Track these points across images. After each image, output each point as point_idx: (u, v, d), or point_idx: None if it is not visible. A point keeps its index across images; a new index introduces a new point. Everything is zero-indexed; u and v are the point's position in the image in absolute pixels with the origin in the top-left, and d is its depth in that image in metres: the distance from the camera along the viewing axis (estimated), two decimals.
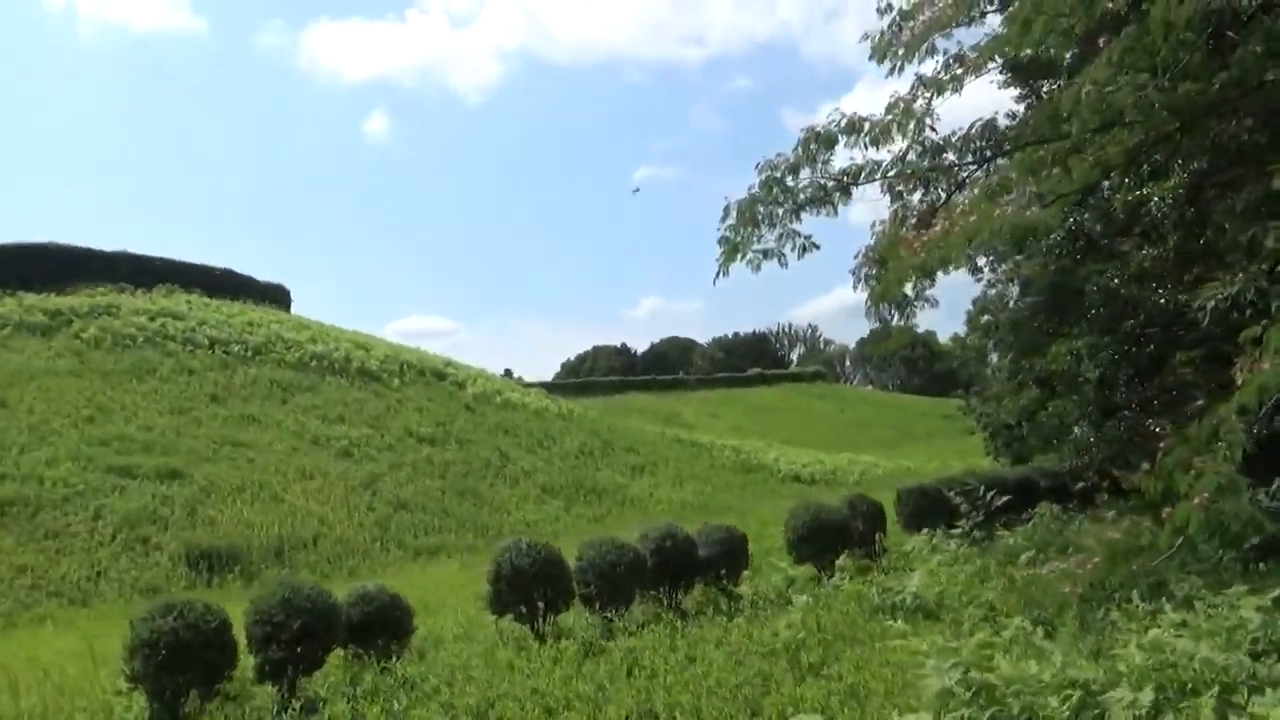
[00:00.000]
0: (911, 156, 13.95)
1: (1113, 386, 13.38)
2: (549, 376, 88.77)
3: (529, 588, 8.65)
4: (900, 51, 13.84)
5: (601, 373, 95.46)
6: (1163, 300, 12.33)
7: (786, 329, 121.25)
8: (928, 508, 12.82)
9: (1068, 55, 15.73)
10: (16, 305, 26.68)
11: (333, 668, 7.64)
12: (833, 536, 11.01)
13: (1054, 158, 14.01)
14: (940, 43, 13.60)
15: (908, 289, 12.04)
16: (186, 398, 23.52)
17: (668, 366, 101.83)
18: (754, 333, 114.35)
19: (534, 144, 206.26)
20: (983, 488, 12.75)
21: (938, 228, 10.38)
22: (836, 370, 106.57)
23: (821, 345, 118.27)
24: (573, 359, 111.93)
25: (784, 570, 10.06)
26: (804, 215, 13.49)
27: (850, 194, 13.62)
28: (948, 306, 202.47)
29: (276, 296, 41.73)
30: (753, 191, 13.31)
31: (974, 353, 32.11)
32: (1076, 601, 7.46)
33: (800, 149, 12.99)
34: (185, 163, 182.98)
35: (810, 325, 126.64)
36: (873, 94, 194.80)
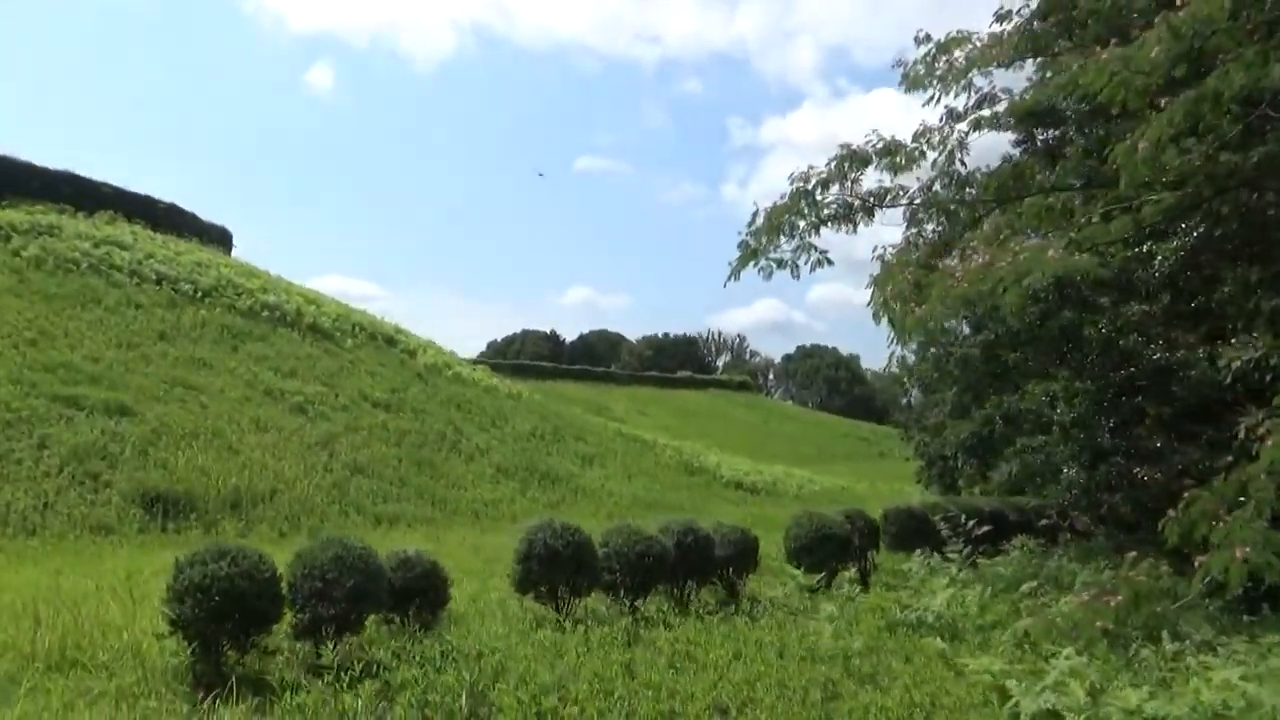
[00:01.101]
0: (937, 187, 14.31)
1: (1093, 431, 13.92)
2: (474, 354, 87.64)
3: (560, 570, 8.55)
4: (935, 83, 14.16)
5: (529, 356, 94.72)
6: (1155, 355, 12.89)
7: (716, 336, 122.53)
8: (914, 530, 13.12)
9: (1072, 107, 16.30)
10: None
11: (369, 632, 7.44)
12: (835, 549, 11.17)
13: (1061, 207, 14.55)
14: (978, 80, 14.01)
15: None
16: (134, 332, 22.49)
17: (595, 358, 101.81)
18: (684, 335, 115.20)
19: (478, 119, 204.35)
20: (963, 516, 13.11)
21: (978, 260, 10.62)
22: (760, 382, 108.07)
23: (747, 356, 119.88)
24: (500, 340, 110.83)
25: (796, 577, 10.17)
26: (823, 231, 13.73)
27: (873, 215, 13.89)
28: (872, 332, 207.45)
29: (219, 238, 40.26)
30: (781, 201, 13.47)
31: (915, 384, 32.88)
32: (1104, 637, 7.74)
33: (834, 165, 13.19)
34: (115, 86, 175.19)
35: (739, 335, 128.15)
36: (817, 115, 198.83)
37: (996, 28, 14.40)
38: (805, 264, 13.29)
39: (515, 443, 25.42)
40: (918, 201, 13.61)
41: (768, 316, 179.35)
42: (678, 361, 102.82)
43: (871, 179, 13.36)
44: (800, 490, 32.10)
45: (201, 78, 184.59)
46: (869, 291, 13.70)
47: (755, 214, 13.10)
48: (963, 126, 13.28)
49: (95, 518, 14.52)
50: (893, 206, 14.15)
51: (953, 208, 13.60)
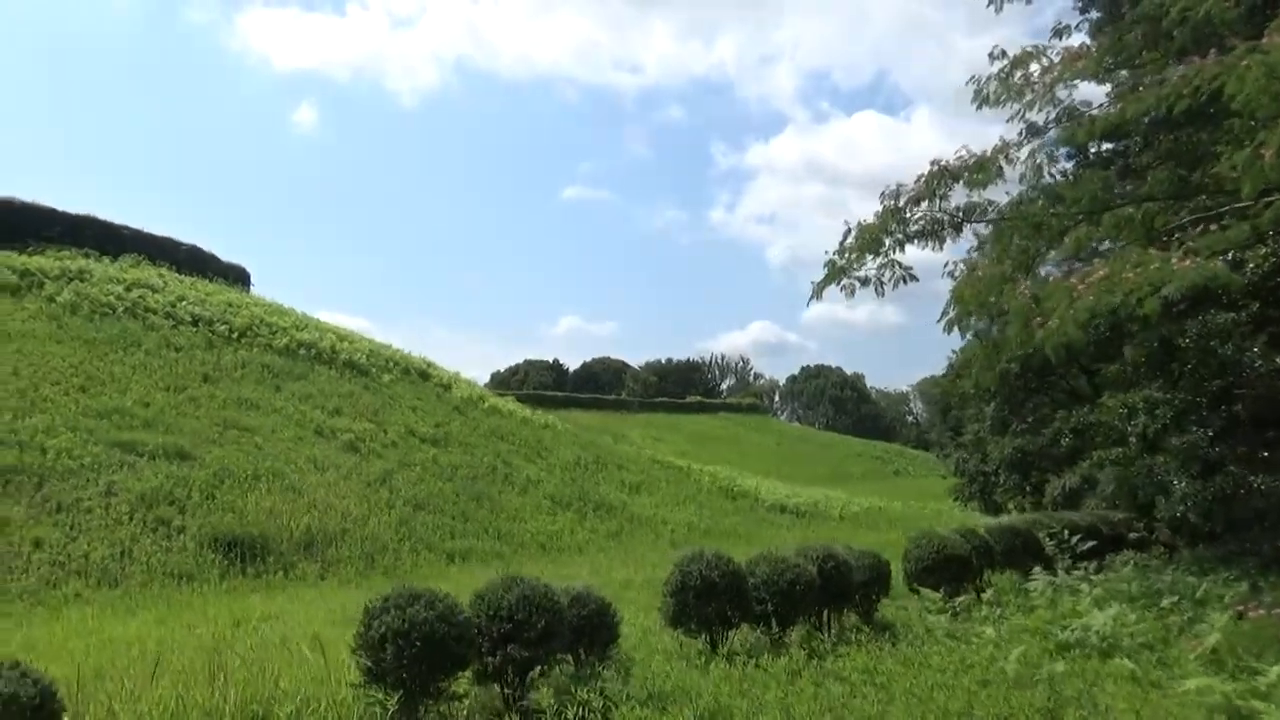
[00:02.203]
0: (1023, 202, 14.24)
1: (1194, 442, 13.70)
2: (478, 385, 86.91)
3: (715, 601, 8.32)
4: (1014, 97, 14.11)
5: (533, 386, 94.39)
6: (1258, 364, 12.79)
7: (720, 360, 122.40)
8: (1019, 547, 12.93)
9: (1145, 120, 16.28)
10: None
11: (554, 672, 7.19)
12: (957, 569, 10.98)
13: (1142, 217, 14.46)
14: (1059, 93, 13.98)
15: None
16: (178, 375, 22.23)
17: (599, 386, 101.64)
18: (688, 360, 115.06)
19: (463, 152, 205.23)
20: (1066, 531, 12.97)
21: (1099, 273, 10.51)
22: (766, 404, 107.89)
23: (751, 378, 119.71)
24: (504, 370, 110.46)
25: (935, 600, 9.96)
26: (908, 248, 13.67)
27: (961, 230, 13.85)
28: (878, 354, 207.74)
29: (237, 277, 40.02)
30: (870, 220, 13.40)
31: (955, 399, 32.76)
32: None
33: (926, 182, 13.13)
34: (99, 128, 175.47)
35: (742, 357, 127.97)
36: (799, 139, 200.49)
37: (1058, 42, 14.51)
38: (889, 280, 13.23)
39: (563, 473, 25.16)
40: (1006, 217, 13.55)
41: (761, 338, 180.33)
42: (682, 386, 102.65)
43: (956, 195, 13.38)
44: (843, 512, 31.83)
45: (186, 118, 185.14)
46: (945, 307, 13.72)
47: (847, 233, 13.05)
48: (1051, 139, 13.26)
49: (174, 565, 14.25)
50: (980, 221, 14.16)
51: (1042, 221, 13.53)
